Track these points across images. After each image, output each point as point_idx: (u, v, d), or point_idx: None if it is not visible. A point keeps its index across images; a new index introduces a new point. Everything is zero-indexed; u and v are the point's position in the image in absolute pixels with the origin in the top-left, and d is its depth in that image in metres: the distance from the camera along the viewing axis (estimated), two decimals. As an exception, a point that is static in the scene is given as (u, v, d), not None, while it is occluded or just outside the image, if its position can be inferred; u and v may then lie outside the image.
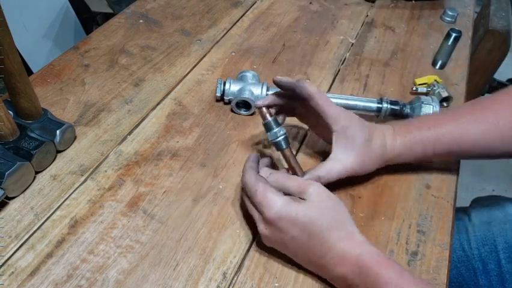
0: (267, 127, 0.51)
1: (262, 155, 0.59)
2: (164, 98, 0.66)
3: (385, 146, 0.52)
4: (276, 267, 0.47)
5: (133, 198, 0.52)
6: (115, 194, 0.52)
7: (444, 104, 0.69)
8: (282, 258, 0.47)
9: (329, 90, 0.72)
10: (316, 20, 0.87)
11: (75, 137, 0.58)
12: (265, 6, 0.90)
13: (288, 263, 0.47)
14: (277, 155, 0.58)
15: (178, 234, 0.49)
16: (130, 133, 0.60)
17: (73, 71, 0.68)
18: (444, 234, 0.52)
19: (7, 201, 0.50)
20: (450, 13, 0.90)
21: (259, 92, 0.64)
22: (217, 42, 0.78)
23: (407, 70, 0.77)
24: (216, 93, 0.65)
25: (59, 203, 0.51)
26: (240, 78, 0.67)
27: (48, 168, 0.54)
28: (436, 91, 0.68)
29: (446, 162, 0.60)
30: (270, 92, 0.64)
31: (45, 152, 0.53)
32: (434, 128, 0.53)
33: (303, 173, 0.51)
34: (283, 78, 0.51)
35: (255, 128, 0.63)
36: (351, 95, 0.70)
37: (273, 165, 0.53)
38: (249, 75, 0.67)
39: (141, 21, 0.81)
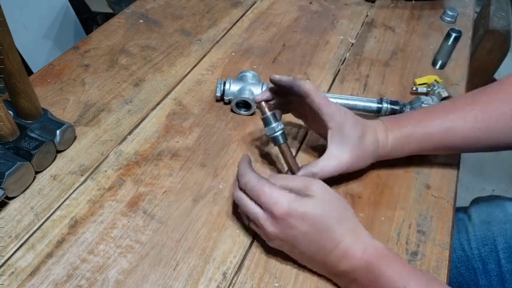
0: (265, 121, 0.52)
1: (261, 152, 0.60)
2: (164, 98, 0.66)
3: (377, 142, 0.53)
4: (276, 267, 0.47)
5: (133, 198, 0.52)
6: (115, 194, 0.52)
7: (445, 104, 0.69)
8: (282, 258, 0.47)
9: (329, 90, 0.72)
10: (316, 20, 0.87)
11: (75, 137, 0.58)
12: (265, 6, 0.90)
13: (288, 263, 0.47)
14: (276, 151, 0.58)
15: (178, 234, 0.49)
16: (130, 133, 0.60)
17: (73, 71, 0.68)
18: (444, 234, 0.52)
19: (7, 201, 0.50)
20: (450, 13, 0.90)
21: (259, 92, 0.64)
22: (217, 42, 0.78)
23: (407, 70, 0.77)
24: (216, 93, 0.65)
25: (59, 203, 0.51)
26: (240, 78, 0.67)
27: (48, 168, 0.54)
28: (436, 91, 0.68)
29: (446, 162, 0.60)
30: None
31: (45, 152, 0.53)
32: (424, 123, 0.54)
33: (299, 169, 0.52)
34: (281, 77, 0.51)
35: (255, 128, 0.63)
36: (351, 95, 0.70)
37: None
38: (249, 75, 0.67)
39: (141, 21, 0.81)
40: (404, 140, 0.54)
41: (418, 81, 0.73)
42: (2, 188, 0.48)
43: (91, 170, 0.55)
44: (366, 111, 0.64)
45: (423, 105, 0.62)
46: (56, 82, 0.66)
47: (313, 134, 0.60)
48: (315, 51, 0.79)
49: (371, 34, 0.85)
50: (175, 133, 0.61)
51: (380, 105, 0.63)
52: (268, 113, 0.51)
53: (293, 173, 0.52)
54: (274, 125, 0.51)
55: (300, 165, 0.52)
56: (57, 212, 0.50)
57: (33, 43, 1.50)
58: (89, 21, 1.68)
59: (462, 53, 0.82)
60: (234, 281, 0.46)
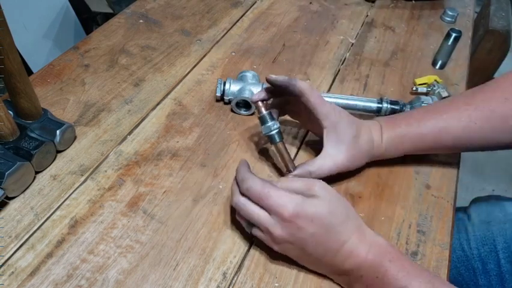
0: (262, 120, 0.52)
1: (261, 152, 0.60)
2: (164, 98, 0.66)
3: (372, 141, 0.54)
4: (276, 267, 0.47)
5: (133, 198, 0.52)
6: (115, 194, 0.52)
7: (444, 104, 0.69)
8: (282, 258, 0.47)
9: (329, 90, 0.72)
10: (316, 20, 0.87)
11: (75, 137, 0.58)
12: (265, 6, 0.90)
13: (288, 263, 0.47)
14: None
15: (178, 234, 0.49)
16: (130, 133, 0.60)
17: (73, 71, 0.68)
18: (444, 234, 0.52)
19: (7, 201, 0.50)
20: (450, 13, 0.90)
21: (259, 92, 0.64)
22: (217, 42, 0.78)
23: (407, 70, 0.77)
24: (216, 93, 0.65)
25: (59, 203, 0.51)
26: (240, 78, 0.67)
27: (48, 168, 0.54)
28: (436, 91, 0.68)
29: (446, 161, 0.60)
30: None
31: (45, 152, 0.53)
32: (418, 123, 0.54)
33: (295, 167, 0.52)
34: (277, 77, 0.51)
35: (255, 128, 0.63)
36: (351, 95, 0.70)
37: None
38: (249, 75, 0.67)
39: (141, 21, 0.81)
40: (398, 140, 0.54)
41: (418, 81, 0.73)
42: (2, 188, 0.48)
43: (91, 170, 0.55)
44: (366, 111, 0.64)
45: (423, 105, 0.63)
46: (56, 82, 0.66)
47: (314, 135, 0.60)
48: (315, 51, 0.79)
49: (371, 34, 0.85)
50: (175, 133, 0.61)
51: (380, 105, 0.63)
52: (265, 112, 0.52)
53: (289, 171, 0.52)
54: (270, 123, 0.51)
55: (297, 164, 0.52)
56: (57, 212, 0.50)
57: (33, 43, 1.49)
58: (89, 21, 1.68)
59: (462, 53, 0.82)
60: (234, 281, 0.46)
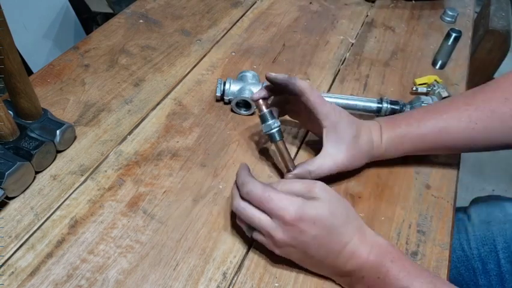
0: (262, 119, 0.52)
1: (261, 152, 0.60)
2: (164, 98, 0.66)
3: (372, 142, 0.53)
4: (276, 267, 0.47)
5: (133, 198, 0.52)
6: (115, 194, 0.52)
7: (444, 104, 0.69)
8: (283, 258, 0.47)
9: (329, 90, 0.72)
10: (316, 20, 0.87)
11: (75, 137, 0.58)
12: (265, 6, 0.90)
13: (288, 264, 0.47)
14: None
15: (178, 234, 0.49)
16: (130, 133, 0.60)
17: (73, 71, 0.68)
18: (444, 234, 0.52)
19: (7, 201, 0.50)
20: (450, 13, 0.90)
21: (259, 92, 0.64)
22: (217, 42, 0.78)
23: (407, 70, 0.77)
24: (216, 93, 0.65)
25: (59, 203, 0.51)
26: (240, 78, 0.67)
27: (48, 168, 0.54)
28: (436, 91, 0.68)
29: (446, 161, 0.60)
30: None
31: (45, 152, 0.53)
32: (418, 124, 0.54)
33: (295, 166, 0.52)
34: (277, 75, 0.51)
35: (255, 128, 0.63)
36: (351, 95, 0.70)
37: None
38: (249, 75, 0.67)
39: (141, 21, 0.81)
40: (398, 140, 0.54)
41: (418, 81, 0.73)
42: (2, 188, 0.48)
43: (91, 170, 0.55)
44: (366, 111, 0.64)
45: (423, 105, 0.63)
46: (56, 82, 0.66)
47: (314, 135, 0.60)
48: (315, 51, 0.79)
49: (371, 34, 0.85)
50: (175, 133, 0.61)
51: (380, 105, 0.63)
52: (265, 110, 0.52)
53: (289, 170, 0.52)
54: (270, 122, 0.51)
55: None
56: (57, 212, 0.50)
57: (33, 43, 1.50)
58: (89, 21, 1.68)
59: (462, 53, 0.82)
60: (234, 281, 0.46)
